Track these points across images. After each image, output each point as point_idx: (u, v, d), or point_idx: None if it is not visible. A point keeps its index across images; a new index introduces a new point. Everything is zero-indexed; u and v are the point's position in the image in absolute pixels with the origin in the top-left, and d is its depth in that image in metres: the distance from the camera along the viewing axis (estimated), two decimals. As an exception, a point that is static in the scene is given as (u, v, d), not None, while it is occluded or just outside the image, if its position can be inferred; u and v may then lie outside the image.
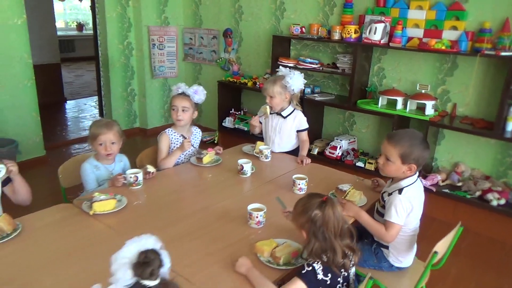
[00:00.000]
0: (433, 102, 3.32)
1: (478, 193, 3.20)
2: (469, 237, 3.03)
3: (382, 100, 3.55)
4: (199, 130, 2.85)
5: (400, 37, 3.34)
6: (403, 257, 1.98)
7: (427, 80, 3.50)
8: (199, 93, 2.61)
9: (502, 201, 3.09)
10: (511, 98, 2.95)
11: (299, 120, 2.82)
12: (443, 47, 3.10)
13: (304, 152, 2.77)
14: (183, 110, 2.55)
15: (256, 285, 1.41)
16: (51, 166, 4.20)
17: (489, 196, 3.12)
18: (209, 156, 2.54)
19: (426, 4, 3.30)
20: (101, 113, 5.26)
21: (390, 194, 1.87)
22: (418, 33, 3.36)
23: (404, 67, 3.63)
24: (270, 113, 2.83)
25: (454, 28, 3.20)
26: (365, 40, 3.50)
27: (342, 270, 1.43)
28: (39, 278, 1.45)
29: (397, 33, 3.34)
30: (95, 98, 7.14)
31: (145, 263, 0.81)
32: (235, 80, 4.59)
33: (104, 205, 1.88)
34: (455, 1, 3.20)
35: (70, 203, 2.00)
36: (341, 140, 3.94)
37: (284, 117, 2.82)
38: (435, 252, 1.74)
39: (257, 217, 1.81)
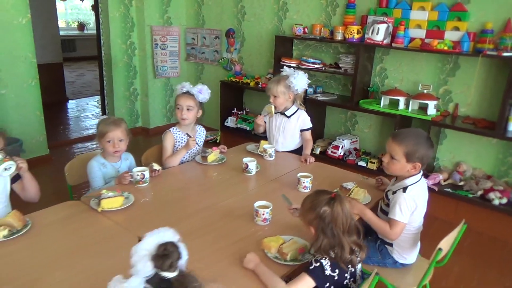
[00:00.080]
0: (435, 102, 3.35)
1: (480, 193, 3.23)
2: (471, 236, 3.05)
3: (384, 100, 3.57)
4: (203, 129, 2.87)
5: (402, 37, 3.37)
6: (407, 254, 2.01)
7: (429, 80, 3.53)
8: (203, 92, 2.63)
9: (504, 200, 3.11)
10: (513, 98, 2.98)
11: (303, 119, 2.84)
12: (446, 48, 3.13)
13: (307, 151, 2.79)
14: (187, 109, 2.57)
15: (265, 280, 1.43)
16: (55, 165, 4.23)
17: (491, 195, 3.15)
18: (213, 155, 2.56)
19: (428, 5, 3.33)
20: (103, 113, 5.27)
21: (394, 193, 1.89)
22: (420, 33, 3.39)
23: (406, 68, 3.66)
24: (274, 113, 2.85)
25: (456, 28, 3.23)
26: (367, 41, 3.53)
27: (349, 266, 1.46)
28: (50, 272, 1.48)
29: (400, 33, 3.36)
30: (97, 97, 7.18)
31: (165, 256, 0.83)
32: (238, 80, 4.61)
33: (112, 202, 1.90)
34: (457, 2, 3.23)
35: (77, 200, 2.03)
36: (343, 140, 3.96)
37: (288, 117, 2.84)
38: (440, 249, 1.77)
39: (263, 214, 1.84)
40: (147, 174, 2.19)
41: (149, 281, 0.81)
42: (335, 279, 1.42)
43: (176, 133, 2.64)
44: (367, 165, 3.74)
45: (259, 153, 2.72)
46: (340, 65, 3.86)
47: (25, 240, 1.65)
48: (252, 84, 4.48)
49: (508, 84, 2.93)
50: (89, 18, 11.80)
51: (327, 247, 1.42)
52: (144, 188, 2.17)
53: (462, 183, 3.40)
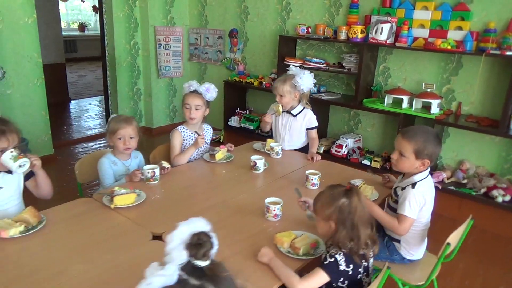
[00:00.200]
0: (438, 101, 3.38)
1: (483, 190, 3.26)
2: (475, 233, 3.09)
3: (388, 99, 3.61)
4: (210, 127, 2.90)
5: (406, 37, 3.40)
6: (414, 250, 2.03)
7: (432, 79, 3.56)
8: (211, 91, 2.66)
9: (507, 198, 3.15)
10: (516, 97, 3.01)
11: (309, 118, 2.88)
12: (449, 47, 3.17)
13: (314, 149, 2.82)
14: (196, 109, 2.60)
15: (279, 274, 1.46)
16: (60, 164, 4.26)
17: (494, 192, 3.18)
18: (221, 153, 2.59)
19: (432, 5, 3.37)
20: (107, 113, 5.30)
21: (403, 189, 1.92)
22: (424, 33, 3.43)
23: (409, 67, 3.69)
24: (281, 112, 2.88)
25: (459, 28, 3.27)
26: (371, 40, 3.56)
27: (363, 260, 1.49)
28: (71, 266, 1.50)
29: (403, 33, 3.40)
30: (99, 98, 7.21)
31: (199, 245, 0.86)
32: (241, 80, 4.64)
33: (125, 199, 1.92)
34: (460, 1, 3.27)
35: (89, 197, 2.05)
36: (346, 139, 3.99)
37: (294, 115, 2.88)
38: (448, 244, 1.80)
39: (274, 210, 1.87)
40: (157, 171, 2.22)
41: (182, 268, 0.84)
42: (349, 274, 1.45)
43: (183, 131, 2.67)
44: (371, 163, 3.77)
45: (266, 151, 2.75)
46: (343, 64, 3.89)
47: (42, 236, 1.68)
48: (255, 83, 4.51)
49: (511, 83, 2.96)
50: (90, 18, 11.83)
51: (346, 240, 1.44)
52: (155, 185, 2.20)
53: (465, 181, 3.44)
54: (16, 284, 1.41)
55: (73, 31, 11.37)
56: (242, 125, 4.68)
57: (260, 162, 2.43)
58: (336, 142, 4.03)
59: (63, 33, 7.46)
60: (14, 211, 1.92)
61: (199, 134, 2.61)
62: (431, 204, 1.98)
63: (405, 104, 3.51)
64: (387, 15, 3.56)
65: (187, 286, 0.82)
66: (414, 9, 3.46)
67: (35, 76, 3.99)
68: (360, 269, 1.48)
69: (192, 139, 2.65)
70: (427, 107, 3.45)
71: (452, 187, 3.36)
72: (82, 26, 11.38)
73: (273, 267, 1.48)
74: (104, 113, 5.53)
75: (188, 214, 1.88)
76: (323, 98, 3.96)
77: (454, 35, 3.28)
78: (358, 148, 3.99)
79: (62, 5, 10.54)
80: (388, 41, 3.49)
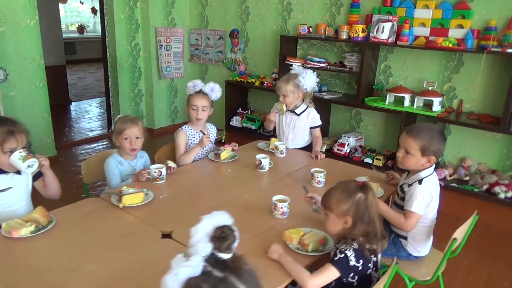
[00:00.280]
0: (440, 98, 3.41)
1: (485, 187, 3.28)
2: (478, 229, 3.08)
3: (390, 98, 3.63)
4: (214, 126, 2.91)
5: (407, 35, 3.43)
6: (421, 247, 2.05)
7: (433, 77, 3.59)
8: (215, 91, 2.67)
9: (510, 194, 3.17)
10: (518, 94, 3.04)
11: (313, 117, 2.89)
12: (450, 45, 3.19)
13: (318, 147, 2.84)
14: (202, 110, 2.61)
15: (290, 270, 1.47)
16: (62, 166, 4.26)
17: (497, 189, 3.21)
18: (226, 152, 2.60)
19: (433, 3, 3.39)
20: (108, 114, 5.31)
21: (410, 185, 1.94)
22: (425, 31, 3.45)
23: (410, 65, 3.72)
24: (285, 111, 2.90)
25: (460, 26, 3.29)
26: (372, 39, 3.58)
27: (373, 255, 1.50)
28: (80, 265, 1.51)
29: (405, 31, 3.42)
30: (99, 99, 7.23)
31: (222, 238, 0.88)
32: (243, 80, 4.66)
33: (133, 198, 1.94)
34: (460, 0, 3.29)
35: (95, 197, 2.07)
36: (348, 137, 4.01)
37: (298, 115, 2.89)
38: (454, 239, 1.82)
39: (282, 207, 1.88)
40: (164, 171, 2.23)
41: (206, 260, 0.86)
42: (359, 269, 1.46)
43: (188, 131, 2.68)
44: (373, 161, 3.79)
45: (270, 150, 2.76)
46: (345, 63, 3.91)
47: (52, 236, 1.69)
48: (257, 83, 4.52)
49: (513, 80, 2.99)
50: (88, 20, 11.83)
51: (362, 234, 1.46)
52: (161, 184, 2.21)
53: (467, 178, 3.46)
54: (29, 283, 1.42)
55: (72, 33, 11.37)
56: (244, 125, 4.69)
57: (265, 161, 2.45)
58: (338, 141, 4.05)
59: (62, 35, 7.48)
60: (23, 211, 1.93)
61: (204, 134, 2.62)
62: (437, 200, 2.00)
63: (406, 103, 3.53)
64: (388, 14, 3.58)
65: (211, 278, 0.83)
66: (415, 7, 3.48)
67: (37, 78, 4.00)
68: (369, 264, 1.50)
69: (196, 139, 2.66)
70: (428, 105, 3.47)
71: (454, 184, 3.38)
72: (81, 28, 11.38)
73: (284, 264, 1.50)
74: (106, 115, 5.54)
75: (196, 213, 1.90)
76: (324, 97, 3.98)
77: (455, 33, 3.30)
78: (360, 146, 4.01)
79: (60, 7, 10.52)
80: (390, 40, 3.51)
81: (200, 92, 2.63)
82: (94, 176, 2.51)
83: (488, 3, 3.21)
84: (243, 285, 0.86)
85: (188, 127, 2.69)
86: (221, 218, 0.91)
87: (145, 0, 4.84)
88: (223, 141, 4.88)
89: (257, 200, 2.08)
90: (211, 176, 2.47)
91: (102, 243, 1.67)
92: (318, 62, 4.03)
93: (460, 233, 1.91)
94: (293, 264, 1.48)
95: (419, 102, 3.50)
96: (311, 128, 2.92)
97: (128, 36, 4.92)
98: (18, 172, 1.91)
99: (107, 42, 4.87)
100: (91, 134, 5.36)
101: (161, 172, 2.22)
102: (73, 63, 10.28)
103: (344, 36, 3.79)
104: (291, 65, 3.85)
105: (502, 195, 3.17)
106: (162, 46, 5.08)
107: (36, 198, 2.07)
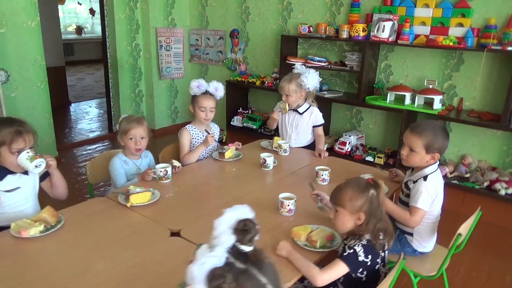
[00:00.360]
0: (440, 96, 3.43)
1: (486, 184, 3.31)
2: (480, 225, 3.07)
3: (390, 96, 3.65)
4: (217, 126, 2.93)
5: (407, 34, 3.45)
6: (426, 243, 2.08)
7: (433, 76, 3.61)
8: (219, 90, 2.69)
9: (510, 190, 3.20)
10: (518, 91, 3.07)
11: (316, 115, 2.92)
12: (451, 43, 3.22)
13: (321, 146, 2.86)
14: (210, 111, 2.64)
15: (299, 266, 1.49)
16: (64, 167, 4.26)
17: (497, 186, 3.24)
18: (230, 151, 2.62)
19: (433, 2, 3.41)
20: (109, 115, 5.31)
21: (415, 182, 1.96)
22: (425, 30, 3.48)
23: (410, 64, 3.74)
24: (288, 110, 2.91)
25: (460, 25, 3.32)
26: (373, 38, 3.61)
27: (381, 250, 1.52)
28: (91, 264, 1.52)
29: (405, 30, 3.44)
30: (99, 100, 7.23)
31: (245, 231, 0.90)
32: (243, 80, 4.67)
33: (140, 197, 1.95)
34: (460, -2, 3.32)
35: (101, 197, 2.08)
36: (349, 136, 4.04)
37: (301, 113, 2.91)
38: (459, 234, 1.84)
39: (288, 205, 1.90)
40: (169, 170, 2.25)
41: (229, 252, 0.88)
42: (368, 265, 1.48)
43: (192, 130, 2.70)
44: (374, 160, 3.81)
45: (274, 149, 2.78)
46: (346, 62, 3.93)
47: (61, 235, 1.70)
48: (258, 83, 4.54)
49: (513, 77, 3.02)
50: (86, 21, 11.81)
51: (374, 230, 1.48)
52: (167, 184, 2.23)
53: (468, 175, 3.49)
54: (39, 283, 1.42)
55: (69, 34, 11.35)
56: (245, 124, 4.71)
57: (270, 160, 2.46)
58: (339, 139, 4.07)
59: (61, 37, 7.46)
60: (30, 211, 1.94)
61: (209, 133, 2.64)
62: (442, 196, 2.02)
63: (407, 101, 3.55)
64: (388, 13, 3.60)
65: (233, 269, 0.85)
66: (415, 6, 3.51)
67: (39, 79, 4.01)
68: (378, 260, 1.52)
69: (201, 138, 2.68)
70: (429, 103, 3.49)
71: (455, 181, 3.41)
72: (79, 29, 11.36)
73: (293, 260, 1.51)
74: (106, 115, 5.54)
75: (203, 211, 1.95)
76: (325, 96, 4.00)
77: (455, 31, 3.33)
78: (361, 145, 4.03)
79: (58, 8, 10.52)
80: (390, 39, 3.54)
81: (207, 93, 2.63)
82: (99, 177, 2.52)
83: (487, 2, 3.24)
84: (264, 277, 0.88)
85: (191, 127, 2.71)
86: (243, 211, 0.93)
87: (145, 0, 4.85)
88: (224, 140, 4.90)
89: (263, 198, 2.10)
90: (216, 175, 2.49)
91: (111, 242, 1.68)
92: (318, 61, 4.04)
93: (464, 229, 1.94)
94: (303, 260, 1.50)
95: (419, 100, 3.53)
96: (314, 126, 2.94)
97: (129, 37, 4.93)
98: (26, 172, 1.92)
99: (107, 43, 4.87)
100: (91, 135, 5.36)
101: (167, 171, 2.23)
102: (71, 64, 10.26)
103: (345, 35, 3.81)
104: (292, 64, 3.88)
105: (502, 192, 3.20)
106: (162, 46, 5.09)
107: (43, 199, 2.08)
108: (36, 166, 1.84)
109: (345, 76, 4.21)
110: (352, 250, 1.47)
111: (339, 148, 4.01)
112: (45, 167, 1.89)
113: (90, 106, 6.94)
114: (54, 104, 4.27)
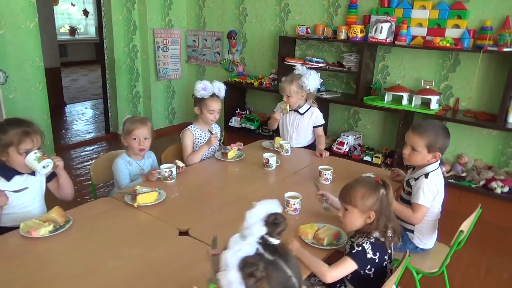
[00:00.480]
0: (437, 97, 3.49)
1: (482, 182, 3.38)
2: (477, 223, 3.15)
3: (388, 97, 3.70)
4: (218, 126, 2.95)
5: (405, 35, 3.50)
6: (427, 240, 2.12)
7: (430, 76, 3.67)
8: (222, 91, 2.71)
9: (506, 189, 3.27)
10: (513, 91, 3.14)
11: (316, 116, 2.95)
12: (448, 45, 3.28)
13: (321, 146, 2.89)
14: (217, 112, 2.67)
15: (308, 264, 1.52)
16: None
17: (493, 184, 3.30)
18: (233, 152, 2.64)
19: (429, 4, 3.47)
20: (106, 116, 5.30)
21: (416, 179, 2.00)
22: (422, 31, 3.53)
23: (407, 65, 3.80)
24: (289, 110, 2.95)
25: (457, 26, 3.38)
26: (371, 39, 3.65)
27: (388, 248, 1.56)
28: (101, 263, 1.54)
29: (403, 32, 3.50)
30: (94, 102, 7.20)
31: (275, 224, 0.93)
32: (241, 81, 4.70)
33: (147, 197, 1.96)
34: (457, 0, 3.38)
35: (105, 197, 2.09)
36: (347, 136, 4.08)
37: (301, 114, 2.95)
38: (461, 231, 1.89)
39: (294, 204, 1.93)
40: (174, 170, 2.26)
41: (259, 243, 0.91)
42: (376, 262, 1.52)
43: (195, 130, 2.71)
44: (372, 159, 3.86)
45: (275, 149, 2.81)
46: (344, 63, 3.98)
47: (70, 235, 1.71)
48: (256, 84, 4.57)
49: (509, 78, 3.08)
50: (79, 22, 11.75)
51: (382, 228, 1.51)
52: (172, 184, 2.24)
53: (464, 174, 3.55)
54: (51, 282, 1.43)
55: (62, 35, 11.28)
56: (243, 125, 4.73)
57: (273, 160, 2.49)
58: (337, 139, 4.11)
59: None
60: (37, 212, 1.95)
61: (212, 133, 2.66)
62: (442, 194, 2.07)
63: (404, 101, 3.61)
64: (386, 14, 3.65)
65: (262, 259, 0.88)
66: (412, 8, 3.56)
67: (37, 80, 4.00)
68: (385, 257, 1.55)
69: (203, 138, 2.70)
70: (426, 104, 3.55)
71: (452, 180, 3.47)
72: (73, 30, 11.29)
73: (302, 258, 1.54)
74: (103, 117, 5.53)
75: (210, 211, 1.97)
76: (324, 97, 4.03)
77: (451, 33, 3.39)
78: (359, 145, 4.08)
79: (52, 9, 10.45)
80: (388, 40, 3.59)
81: (214, 95, 2.65)
82: (103, 177, 2.53)
83: (483, 4, 3.30)
84: (289, 270, 0.91)
85: (194, 127, 2.72)
86: (273, 205, 0.97)
87: (142, 2, 4.85)
88: (222, 141, 4.91)
89: (267, 197, 2.05)
90: (219, 175, 2.51)
91: (120, 241, 1.69)
92: (317, 62, 4.08)
93: (465, 227, 1.98)
94: (312, 258, 1.53)
95: (417, 100, 3.58)
96: (314, 127, 2.97)
97: (126, 38, 4.93)
98: (33, 173, 1.92)
99: (104, 44, 4.87)
100: (88, 136, 5.35)
101: (171, 171, 2.25)
102: (65, 65, 10.19)
103: (342, 36, 3.85)
104: (290, 65, 3.92)
105: (498, 190, 3.26)
106: (159, 47, 5.10)
107: (46, 199, 2.08)
108: (44, 167, 1.85)
109: (342, 77, 4.25)
110: (360, 248, 1.50)
111: (337, 148, 4.05)
112: (52, 167, 1.90)
113: (86, 108, 6.91)
114: (51, 106, 4.26)
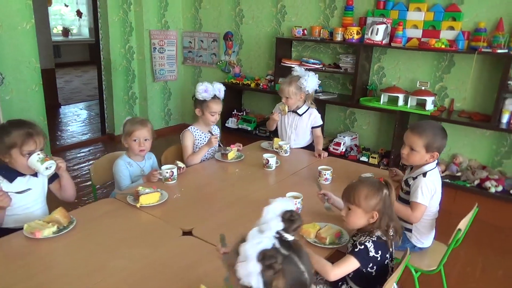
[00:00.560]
0: (432, 98, 3.54)
1: (476, 182, 3.43)
2: (472, 222, 3.24)
3: (384, 97, 3.75)
4: (217, 127, 2.96)
5: (400, 37, 3.55)
6: (424, 239, 2.15)
7: (425, 77, 3.72)
8: (222, 92, 2.73)
9: (500, 188, 3.32)
10: (507, 92, 3.19)
11: (315, 117, 2.99)
12: (443, 46, 3.33)
13: (320, 146, 2.92)
14: (218, 114, 2.69)
15: (312, 262, 1.53)
16: (59, 169, 4.23)
17: (487, 184, 3.36)
18: (233, 152, 2.66)
19: (424, 6, 3.52)
20: (102, 117, 5.28)
21: (414, 178, 2.04)
22: (417, 33, 3.58)
23: (403, 66, 3.84)
24: (287, 111, 2.97)
25: (451, 28, 3.43)
26: (367, 41, 3.70)
27: (390, 246, 1.59)
28: (106, 263, 1.55)
29: (398, 33, 3.54)
30: (89, 103, 7.18)
31: (291, 220, 0.96)
32: (238, 82, 4.72)
33: (150, 198, 1.98)
34: (451, 3, 3.44)
35: (106, 198, 2.10)
36: (344, 137, 4.12)
37: (300, 115, 2.98)
38: (459, 229, 1.93)
39: (295, 204, 1.95)
40: (175, 171, 2.27)
41: (276, 238, 0.94)
42: (378, 260, 1.55)
43: (195, 131, 2.73)
44: (368, 160, 3.90)
45: (275, 149, 2.83)
46: (340, 65, 4.02)
47: (74, 235, 1.71)
48: (252, 85, 4.59)
49: (502, 79, 3.14)
50: (72, 23, 11.68)
51: (384, 228, 1.54)
52: (173, 185, 2.25)
53: (459, 174, 3.60)
54: (55, 283, 1.44)
55: (55, 36, 11.20)
56: (240, 126, 4.75)
57: (273, 160, 2.51)
58: (334, 140, 4.15)
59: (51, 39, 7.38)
60: (39, 213, 1.95)
61: (212, 134, 2.68)
62: (440, 193, 2.11)
63: (400, 102, 3.65)
64: (381, 16, 3.70)
65: (278, 254, 0.91)
66: (407, 10, 3.61)
67: (33, 82, 3.98)
68: (387, 255, 1.58)
69: (203, 139, 2.71)
70: (421, 104, 3.60)
71: (447, 180, 3.52)
72: (66, 31, 11.23)
73: (305, 256, 1.56)
74: (98, 118, 5.51)
75: (212, 211, 1.99)
76: (320, 98, 4.07)
77: (446, 34, 3.44)
78: (355, 145, 4.12)
79: (45, 10, 10.38)
80: (384, 42, 3.63)
81: (215, 97, 2.67)
82: (103, 178, 2.53)
83: (477, 6, 3.36)
84: (302, 265, 0.94)
85: (194, 128, 2.74)
86: (288, 203, 1.00)
87: (138, 3, 4.85)
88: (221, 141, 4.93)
89: (269, 197, 2.07)
90: (220, 175, 2.53)
91: (123, 241, 1.70)
92: (313, 63, 4.12)
93: (463, 225, 2.02)
94: (315, 256, 1.54)
95: (412, 101, 3.63)
96: (312, 127, 3.00)
97: (122, 39, 4.92)
98: (35, 174, 1.93)
99: (101, 45, 4.86)
100: (84, 138, 5.33)
101: (172, 172, 2.26)
102: (59, 66, 10.12)
103: (339, 38, 3.89)
104: (287, 67, 3.95)
105: (492, 190, 3.32)
106: (156, 48, 5.10)
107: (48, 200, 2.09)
108: (47, 168, 1.85)
109: (339, 78, 4.29)
110: (363, 246, 1.53)
111: (333, 148, 4.09)
112: (55, 169, 1.90)
113: (81, 109, 6.88)
114: (46, 107, 4.24)
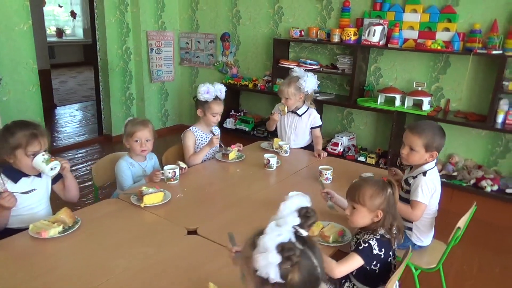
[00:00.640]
0: (429, 98, 3.59)
1: (472, 181, 3.48)
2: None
3: (381, 98, 3.79)
4: (217, 128, 2.98)
5: (397, 38, 3.59)
6: (424, 237, 2.19)
7: (421, 78, 3.77)
8: (223, 92, 2.75)
9: (495, 187, 3.38)
10: (502, 93, 3.25)
11: (314, 117, 3.02)
12: (439, 47, 3.37)
13: (319, 146, 2.95)
14: (219, 115, 2.71)
15: (317, 260, 1.57)
16: (57, 170, 4.22)
17: (483, 183, 3.41)
18: (233, 153, 2.68)
19: (420, 8, 3.57)
20: (99, 118, 5.28)
21: (415, 177, 2.07)
22: (413, 34, 3.63)
23: (399, 67, 3.89)
24: (286, 112, 3.00)
25: (447, 29, 3.48)
26: (364, 42, 3.73)
27: (393, 244, 1.62)
28: (112, 262, 1.56)
29: (395, 35, 3.59)
30: (84, 104, 7.16)
31: (307, 217, 0.98)
32: (235, 83, 4.74)
33: (153, 198, 1.99)
34: (447, 4, 3.49)
35: (108, 198, 2.11)
36: (341, 137, 4.15)
37: (300, 115, 3.00)
38: (458, 228, 1.96)
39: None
40: (178, 171, 2.29)
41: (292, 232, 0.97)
42: (381, 258, 1.58)
43: (196, 132, 2.74)
44: (366, 160, 3.94)
45: (275, 149, 2.86)
46: (337, 65, 4.05)
47: (79, 235, 1.73)
48: (250, 86, 4.61)
49: (497, 79, 3.19)
50: (66, 24, 11.62)
51: (388, 226, 1.57)
52: (175, 185, 2.27)
53: (455, 173, 3.65)
54: (61, 283, 1.45)
55: (49, 37, 11.11)
56: (238, 126, 4.77)
57: (273, 160, 2.54)
58: (332, 140, 4.18)
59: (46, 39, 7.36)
60: (43, 213, 1.96)
61: (214, 134, 2.70)
62: (439, 192, 2.14)
63: (397, 102, 3.69)
64: (378, 18, 3.74)
65: (294, 247, 0.94)
66: (403, 12, 3.65)
67: (30, 83, 3.97)
68: (390, 253, 1.61)
69: (205, 139, 2.73)
70: (418, 105, 3.64)
71: (443, 180, 3.55)
72: (60, 32, 11.17)
73: (310, 254, 1.59)
74: (95, 119, 5.50)
75: (216, 210, 2.01)
76: (318, 98, 4.09)
77: (442, 36, 3.49)
78: (353, 145, 4.15)
79: (39, 11, 10.32)
80: (381, 43, 3.67)
81: (217, 98, 2.68)
82: (104, 179, 2.54)
83: (472, 8, 3.41)
84: (316, 260, 0.97)
85: (196, 128, 2.75)
86: (304, 199, 1.02)
87: (135, 4, 4.86)
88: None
89: (271, 197, 2.17)
90: (221, 175, 2.55)
91: (129, 241, 1.71)
92: (310, 64, 4.15)
93: (462, 223, 2.06)
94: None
95: (409, 102, 3.67)
96: (312, 128, 3.03)
97: (119, 40, 4.92)
98: (39, 175, 1.93)
99: (98, 46, 4.86)
100: (80, 139, 5.31)
101: (175, 172, 2.28)
102: (53, 67, 10.03)
103: (336, 39, 3.93)
104: (285, 67, 3.98)
105: (488, 189, 3.37)
106: (153, 49, 5.11)
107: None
108: (52, 169, 1.86)
109: (336, 79, 4.33)
110: (367, 244, 1.56)
111: (331, 149, 4.12)
112: (60, 169, 1.91)
113: (76, 110, 6.86)
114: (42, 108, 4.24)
